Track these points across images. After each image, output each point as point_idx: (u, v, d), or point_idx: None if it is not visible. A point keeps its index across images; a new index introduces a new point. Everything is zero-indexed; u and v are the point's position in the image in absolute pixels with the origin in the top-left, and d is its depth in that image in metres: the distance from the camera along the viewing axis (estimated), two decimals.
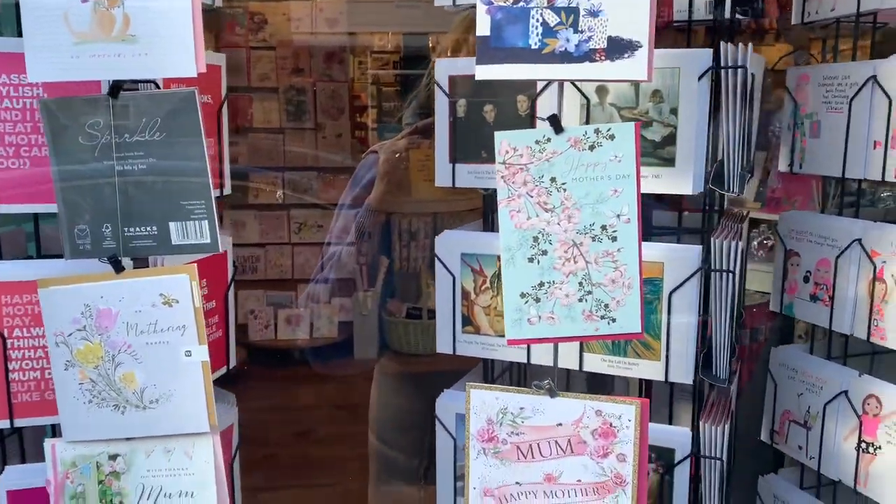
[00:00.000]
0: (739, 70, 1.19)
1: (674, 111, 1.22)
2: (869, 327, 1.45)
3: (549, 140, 1.03)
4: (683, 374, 1.27)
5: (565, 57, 0.99)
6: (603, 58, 0.98)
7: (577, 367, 1.34)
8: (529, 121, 1.31)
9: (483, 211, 1.47)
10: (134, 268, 1.11)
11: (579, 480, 1.08)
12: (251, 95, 4.55)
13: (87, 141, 1.03)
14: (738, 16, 1.47)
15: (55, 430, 1.19)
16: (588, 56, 0.99)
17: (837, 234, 1.52)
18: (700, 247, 1.27)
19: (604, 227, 1.04)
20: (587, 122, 1.27)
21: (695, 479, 1.34)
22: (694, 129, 1.21)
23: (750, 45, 1.23)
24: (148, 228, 1.05)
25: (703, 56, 1.21)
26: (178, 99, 1.03)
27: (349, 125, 4.66)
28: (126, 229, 1.06)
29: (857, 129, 1.46)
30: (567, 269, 1.05)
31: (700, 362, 1.29)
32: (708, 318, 1.30)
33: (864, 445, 1.47)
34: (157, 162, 1.04)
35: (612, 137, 1.03)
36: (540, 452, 1.10)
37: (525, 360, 1.35)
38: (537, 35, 0.99)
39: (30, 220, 1.27)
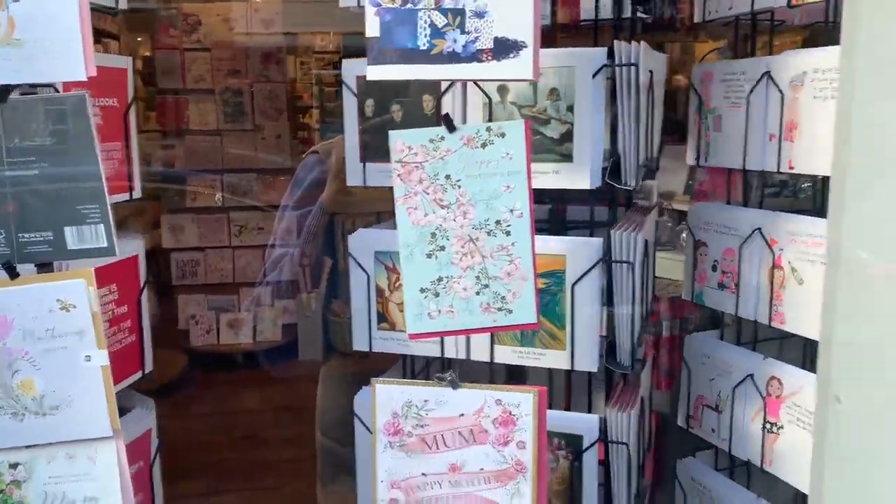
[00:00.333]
0: (632, 67, 1.24)
1: (570, 108, 1.26)
2: (770, 312, 1.51)
3: (442, 139, 1.06)
4: (588, 362, 1.31)
5: (453, 57, 1.02)
6: (490, 58, 1.01)
7: (489, 360, 1.37)
8: (435, 119, 1.33)
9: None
10: (38, 273, 1.10)
11: (482, 469, 1.11)
12: (187, 97, 4.50)
13: None
14: (639, 14, 1.52)
15: None
16: (475, 56, 1.01)
17: (740, 224, 1.58)
18: (601, 240, 1.32)
19: (498, 222, 1.07)
20: (490, 120, 1.30)
21: (605, 465, 1.38)
22: (590, 125, 1.25)
23: (643, 43, 1.27)
24: (43, 234, 1.05)
25: (597, 55, 1.25)
26: (70, 103, 1.03)
27: (288, 126, 4.64)
28: (20, 235, 1.05)
29: (754, 122, 1.52)
30: (464, 263, 1.08)
31: (604, 351, 1.34)
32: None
33: (768, 426, 1.54)
34: (50, 167, 1.03)
35: (502, 135, 1.06)
36: (444, 443, 1.12)
37: (439, 355, 1.38)
38: (426, 36, 1.02)
39: None
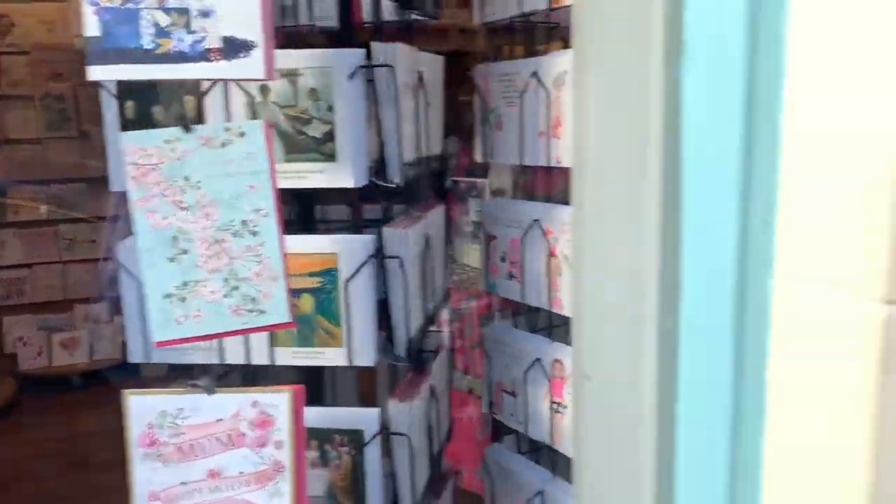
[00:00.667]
0: (389, 68, 1.27)
1: (331, 109, 1.27)
2: (549, 299, 1.60)
3: (178, 139, 1.04)
4: (365, 358, 1.33)
5: (180, 57, 1.00)
6: (219, 57, 1.01)
7: (269, 363, 1.36)
8: (198, 120, 1.31)
9: None
10: None
11: (241, 472, 1.10)
12: (3, 103, 4.19)
13: None
14: (415, 16, 1.56)
15: None
16: (203, 56, 1.00)
17: (522, 216, 1.66)
18: (373, 237, 1.34)
19: (244, 223, 1.07)
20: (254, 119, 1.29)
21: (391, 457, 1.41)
22: (350, 125, 1.27)
23: (400, 44, 1.31)
24: None
25: (353, 56, 1.27)
26: None
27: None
28: None
29: (527, 120, 1.60)
30: (210, 266, 1.07)
31: (383, 346, 1.36)
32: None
33: (554, 406, 1.62)
34: None
35: (242, 135, 1.05)
36: (203, 450, 1.10)
37: (218, 361, 1.36)
38: (150, 35, 1.00)
39: None
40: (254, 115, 1.29)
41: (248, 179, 1.06)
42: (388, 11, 1.61)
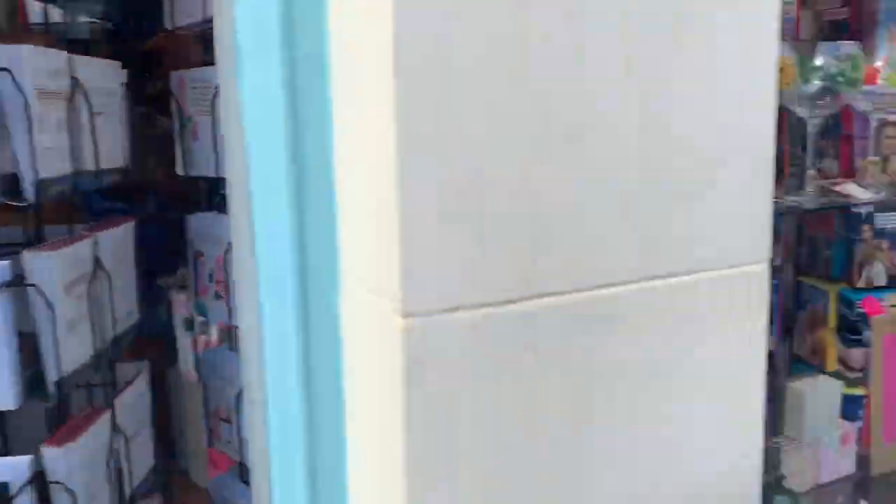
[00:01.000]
0: (7, 73, 1.13)
1: None
2: None
3: None
4: (3, 400, 1.18)
5: None
6: None
7: None
8: None
9: None
10: None
11: None
12: None
13: None
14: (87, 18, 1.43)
15: None
16: None
17: (225, 231, 1.56)
18: (8, 262, 1.19)
19: None
20: None
21: None
22: None
23: (27, 45, 1.17)
24: None
25: None
26: None
27: None
28: None
29: (220, 130, 1.51)
30: None
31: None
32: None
33: None
34: None
35: None
36: None
37: None
38: None
39: None
40: None
41: None
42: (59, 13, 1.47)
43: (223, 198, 1.70)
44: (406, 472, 0.63)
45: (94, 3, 1.45)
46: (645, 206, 0.68)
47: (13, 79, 1.13)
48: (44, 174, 1.20)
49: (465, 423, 0.64)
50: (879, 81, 1.28)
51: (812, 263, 2.16)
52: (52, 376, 1.22)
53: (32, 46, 1.17)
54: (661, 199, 0.68)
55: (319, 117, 0.74)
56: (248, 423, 1.15)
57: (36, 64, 1.18)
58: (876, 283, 1.97)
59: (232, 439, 1.64)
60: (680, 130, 0.69)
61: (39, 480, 1.23)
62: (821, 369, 2.07)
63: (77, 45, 1.49)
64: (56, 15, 1.44)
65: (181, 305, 1.95)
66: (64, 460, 1.23)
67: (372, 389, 0.70)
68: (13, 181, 1.17)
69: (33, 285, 1.18)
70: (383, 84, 0.59)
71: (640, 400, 0.69)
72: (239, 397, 1.58)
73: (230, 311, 1.58)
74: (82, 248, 1.30)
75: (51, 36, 1.44)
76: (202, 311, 1.67)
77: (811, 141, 1.31)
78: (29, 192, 1.17)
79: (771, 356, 2.24)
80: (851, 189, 1.26)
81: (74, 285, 1.27)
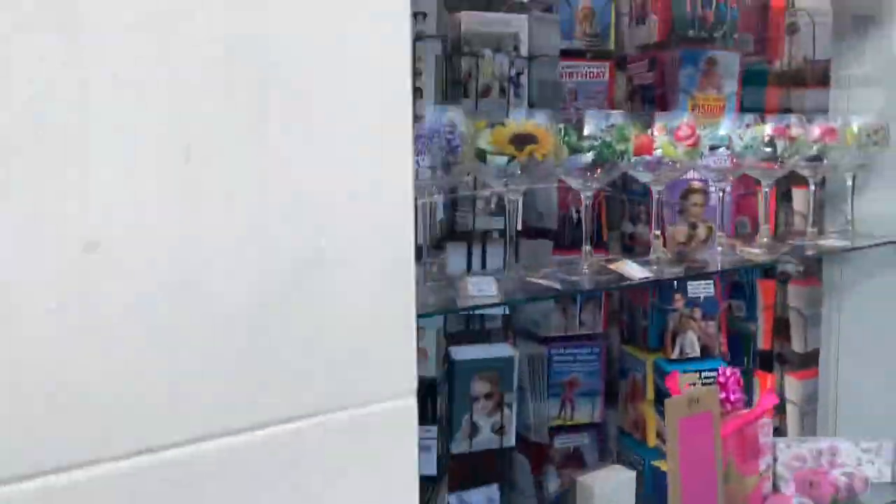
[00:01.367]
0: None
1: None
2: None
3: None
4: None
5: None
6: None
7: None
8: None
9: None
10: None
11: None
12: None
13: None
14: None
15: None
16: None
17: None
18: None
19: None
20: None
21: None
22: None
23: None
24: None
25: None
26: None
27: None
28: None
29: None
30: None
31: None
32: None
33: None
34: None
35: None
36: None
37: None
38: None
39: None
40: None
41: None
42: None
43: None
44: None
45: None
46: (225, 338, 0.50)
47: None
48: None
49: None
50: (655, 151, 1.19)
51: (632, 332, 2.09)
52: None
53: None
54: (250, 326, 0.51)
55: None
56: None
57: None
58: (689, 354, 1.91)
59: None
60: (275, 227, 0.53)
61: None
62: (643, 444, 1.99)
63: None
64: None
65: None
66: None
67: None
68: None
69: None
70: None
71: None
72: None
73: None
74: None
75: None
76: None
77: (587, 216, 1.21)
78: None
79: (600, 428, 2.16)
80: (626, 268, 1.15)
81: None
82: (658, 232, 1.28)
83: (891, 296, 1.78)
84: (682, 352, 1.86)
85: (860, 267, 1.81)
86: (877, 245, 1.53)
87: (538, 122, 1.04)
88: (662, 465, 1.79)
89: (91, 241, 0.43)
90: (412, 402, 0.58)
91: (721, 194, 1.38)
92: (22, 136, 0.41)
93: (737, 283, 2.20)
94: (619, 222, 2.09)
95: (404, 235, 0.57)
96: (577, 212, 2.03)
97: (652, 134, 1.19)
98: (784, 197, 2.31)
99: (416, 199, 0.55)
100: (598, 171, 1.14)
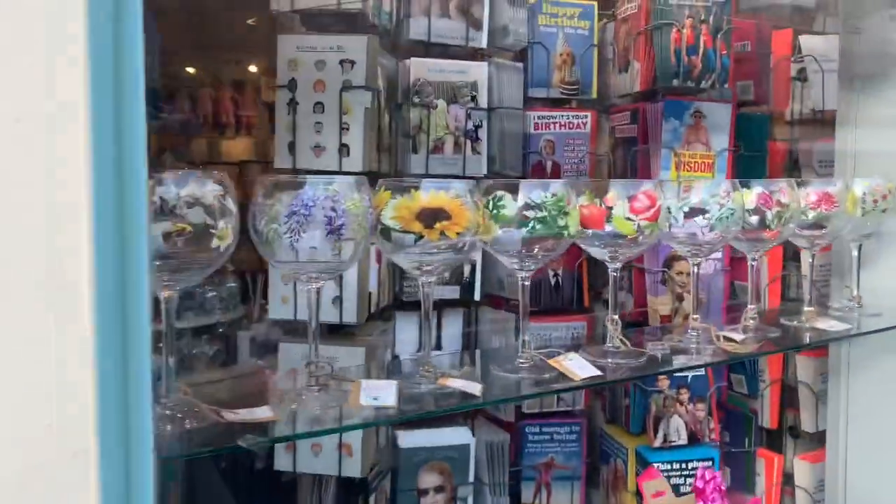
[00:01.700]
0: None
1: None
2: None
3: None
4: None
5: None
6: None
7: None
8: None
9: None
10: None
11: None
12: None
13: None
14: None
15: None
16: None
17: None
18: None
19: None
20: None
21: None
22: None
23: None
24: None
25: None
26: None
27: None
28: None
29: None
30: None
31: None
32: None
33: None
34: None
35: None
36: None
37: None
38: None
39: None
40: None
41: None
42: None
43: None
44: None
45: None
46: None
47: None
48: None
49: None
50: (607, 227, 1.01)
51: (615, 411, 1.88)
52: None
53: None
54: None
55: None
56: None
57: None
58: (675, 442, 1.69)
59: None
60: None
61: None
62: None
63: None
64: None
65: None
66: None
67: None
68: None
69: None
70: None
71: None
72: None
73: None
74: None
75: None
76: None
77: (523, 296, 1.02)
78: None
79: None
80: (568, 365, 0.96)
81: None
82: (616, 317, 1.09)
83: None
84: (666, 439, 1.64)
85: (869, 345, 1.59)
86: (885, 330, 1.32)
87: (453, 193, 0.86)
88: None
89: None
90: None
91: (696, 269, 1.19)
92: None
93: None
94: (602, 287, 1.90)
95: None
96: (556, 275, 1.85)
97: (601, 205, 1.00)
98: (794, 258, 2.09)
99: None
100: (536, 248, 0.95)
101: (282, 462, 1.21)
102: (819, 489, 2.00)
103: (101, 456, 0.44)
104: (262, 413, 0.78)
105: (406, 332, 1.47)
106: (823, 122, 2.08)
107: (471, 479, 1.47)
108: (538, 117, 1.73)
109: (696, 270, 1.18)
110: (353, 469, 1.20)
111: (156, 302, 0.75)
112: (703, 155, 1.59)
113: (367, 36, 1.16)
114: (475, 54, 1.48)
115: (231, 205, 0.74)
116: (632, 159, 1.70)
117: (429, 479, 1.45)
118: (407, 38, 1.39)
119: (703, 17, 1.55)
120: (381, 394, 0.83)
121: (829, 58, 2.02)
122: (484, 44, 1.45)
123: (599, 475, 1.84)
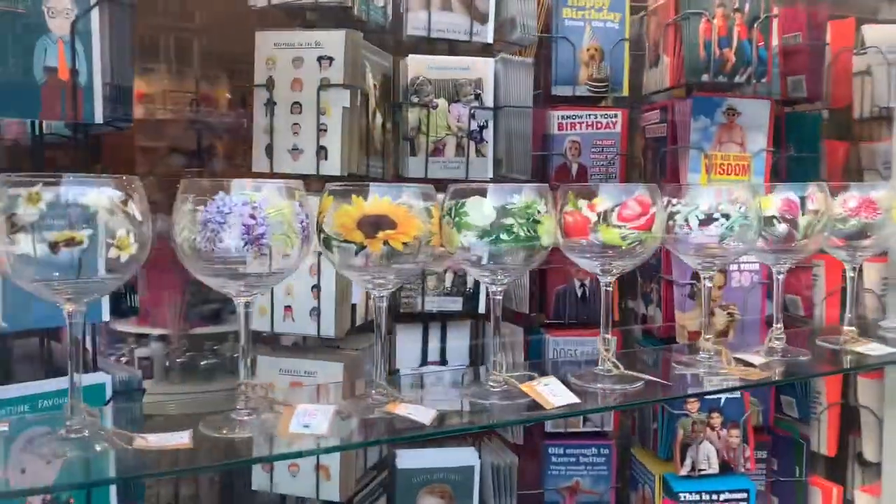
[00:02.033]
0: None
1: None
2: None
3: None
4: None
5: None
6: None
7: None
8: None
9: None
10: None
11: None
12: None
13: None
14: None
15: None
16: None
17: None
18: None
19: None
20: None
21: None
22: None
23: None
24: None
25: None
26: None
27: None
28: None
29: None
30: None
31: None
32: None
33: None
34: None
35: None
36: None
37: None
38: None
39: None
40: None
41: None
42: None
43: None
44: None
45: None
46: None
47: None
48: None
49: None
50: (591, 236, 0.90)
51: (644, 433, 1.74)
52: None
53: None
54: None
55: None
56: None
57: None
58: (705, 471, 1.54)
59: None
60: None
61: None
62: None
63: None
64: None
65: None
66: None
67: None
68: None
69: None
70: None
71: None
72: None
73: None
74: None
75: None
76: None
77: (495, 311, 0.92)
78: None
79: None
80: (541, 391, 0.86)
81: None
82: (608, 336, 0.97)
83: None
84: (694, 467, 1.50)
85: None
86: None
87: (400, 199, 0.78)
88: None
89: None
90: None
91: (709, 285, 1.06)
92: None
93: None
94: (632, 298, 1.76)
95: None
96: (583, 285, 1.73)
97: (581, 211, 0.89)
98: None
99: None
100: (508, 259, 0.85)
101: (260, 482, 1.15)
102: None
103: None
104: (176, 439, 0.71)
105: (407, 345, 1.39)
106: (890, 120, 1.88)
107: (475, 503, 1.37)
108: (562, 116, 1.62)
109: (706, 288, 1.05)
110: (331, 492, 1.13)
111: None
112: (738, 156, 1.45)
113: (346, 30, 1.08)
114: (483, 50, 1.39)
115: (135, 212, 0.68)
116: (661, 161, 1.56)
117: (429, 503, 1.36)
118: (405, 34, 1.31)
119: (737, 6, 1.41)
120: (314, 420, 0.75)
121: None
122: (489, 38, 1.35)
123: (629, 502, 1.71)
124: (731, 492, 1.47)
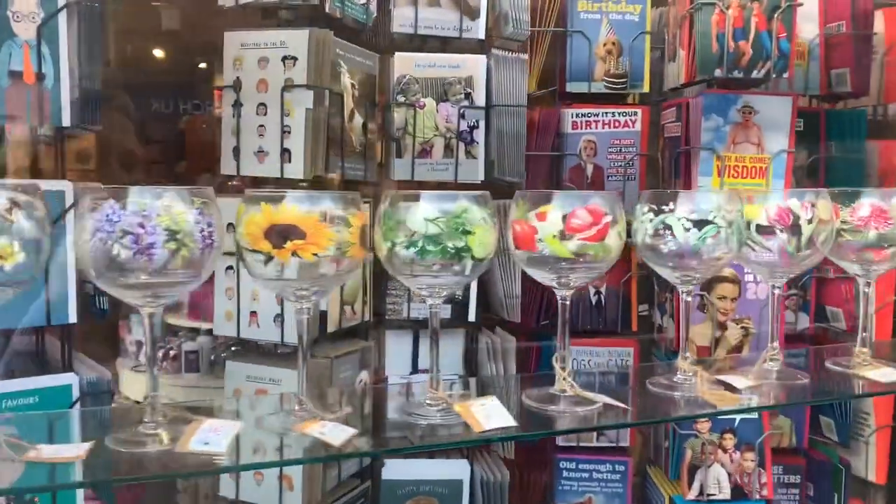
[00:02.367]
0: None
1: None
2: None
3: None
4: None
5: None
6: None
7: None
8: None
9: None
10: None
11: None
12: None
13: None
14: None
15: None
16: None
17: None
18: None
19: None
20: None
21: None
22: None
23: None
24: None
25: None
26: None
27: None
28: None
29: None
30: None
31: None
32: None
33: None
34: None
35: None
36: None
37: None
38: None
39: None
40: None
41: None
42: None
43: None
44: None
45: None
46: None
47: None
48: None
49: None
50: (538, 246, 0.84)
51: (656, 452, 1.64)
52: None
53: None
54: None
55: None
56: None
57: None
58: (714, 496, 1.42)
59: None
60: None
61: None
62: None
63: None
64: None
65: None
66: None
67: None
68: None
69: None
70: None
71: None
72: None
73: None
74: None
75: None
76: None
77: (433, 325, 0.86)
78: None
79: None
80: (475, 411, 0.80)
81: None
82: (564, 353, 0.90)
83: None
84: (702, 491, 1.39)
85: None
86: None
87: (320, 209, 0.74)
88: None
89: None
90: None
91: (690, 300, 0.97)
92: None
93: None
94: (649, 308, 1.66)
95: None
96: (598, 292, 1.64)
97: (528, 220, 0.83)
98: None
99: None
100: (438, 267, 0.80)
101: (226, 489, 1.14)
102: None
103: None
104: (69, 451, 0.70)
105: (397, 352, 1.35)
106: None
107: None
108: (576, 115, 1.54)
109: (687, 302, 0.96)
110: (294, 502, 1.10)
111: None
112: (754, 158, 1.33)
113: (310, 29, 1.05)
114: (476, 46, 1.33)
115: (23, 220, 0.66)
116: (677, 163, 1.46)
117: None
118: (392, 31, 1.27)
119: None
120: (215, 438, 0.72)
121: None
122: (481, 34, 1.29)
123: None
124: None
